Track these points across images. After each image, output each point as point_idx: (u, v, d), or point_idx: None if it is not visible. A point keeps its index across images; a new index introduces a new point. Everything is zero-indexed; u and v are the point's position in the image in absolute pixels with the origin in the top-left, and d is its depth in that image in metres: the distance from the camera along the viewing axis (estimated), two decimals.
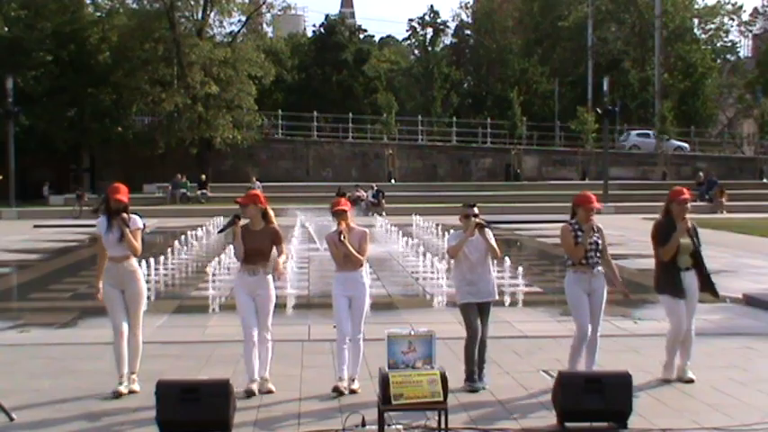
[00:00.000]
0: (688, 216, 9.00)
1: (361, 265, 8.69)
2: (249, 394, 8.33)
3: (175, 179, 44.81)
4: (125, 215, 8.52)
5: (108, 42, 52.14)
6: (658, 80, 60.45)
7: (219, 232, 8.58)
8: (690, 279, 8.98)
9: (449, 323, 11.71)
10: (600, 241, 8.70)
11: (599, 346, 8.83)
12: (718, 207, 41.02)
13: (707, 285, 9.11)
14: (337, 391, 8.39)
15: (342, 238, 8.46)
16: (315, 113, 56.14)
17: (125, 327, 8.58)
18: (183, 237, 23.18)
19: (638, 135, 58.22)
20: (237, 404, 7.53)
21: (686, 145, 58.60)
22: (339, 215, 8.59)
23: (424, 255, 18.88)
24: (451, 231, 9.68)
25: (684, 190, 9.16)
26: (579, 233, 8.62)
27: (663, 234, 8.93)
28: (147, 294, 8.90)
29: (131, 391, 8.47)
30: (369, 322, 12.32)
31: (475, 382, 8.63)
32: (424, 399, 6.91)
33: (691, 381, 8.84)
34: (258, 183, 41.86)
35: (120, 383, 8.47)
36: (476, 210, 8.87)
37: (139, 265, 8.89)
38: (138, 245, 8.59)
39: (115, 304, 8.61)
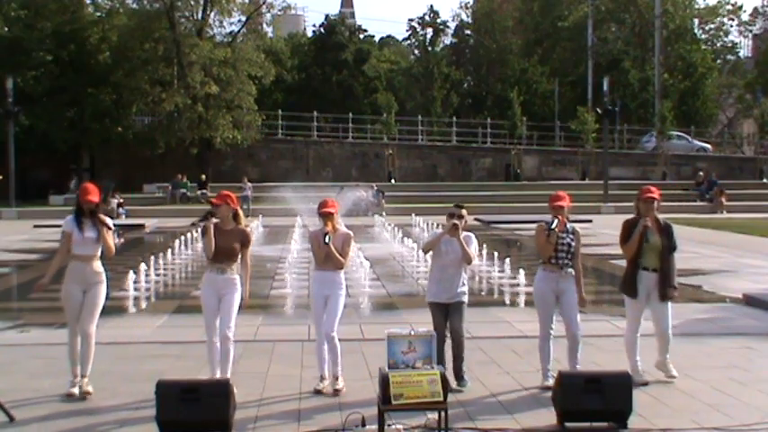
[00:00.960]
0: (663, 215, 8.98)
1: (342, 267, 8.69)
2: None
3: (175, 179, 44.80)
4: (102, 216, 8.54)
5: (108, 42, 52.12)
6: (658, 80, 60.44)
7: (193, 225, 8.61)
8: (652, 280, 8.88)
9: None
10: (573, 243, 8.70)
11: (581, 346, 8.81)
12: (718, 207, 41.01)
13: (663, 287, 8.86)
14: (318, 392, 8.40)
15: (327, 240, 8.48)
16: (315, 113, 56.13)
17: (79, 327, 8.53)
18: (182, 237, 23.18)
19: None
20: (237, 404, 7.53)
21: (708, 146, 58.58)
22: (326, 217, 8.60)
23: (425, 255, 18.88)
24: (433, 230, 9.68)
25: (652, 188, 9.14)
26: (550, 231, 8.64)
27: (627, 232, 8.94)
28: (106, 299, 8.79)
29: (85, 393, 8.40)
30: (369, 322, 12.36)
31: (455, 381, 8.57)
32: (424, 399, 6.91)
33: (673, 377, 8.81)
34: (249, 184, 41.65)
35: (73, 385, 8.44)
36: (462, 211, 8.77)
37: (105, 267, 8.81)
38: (112, 245, 8.63)
39: (75, 304, 8.58)
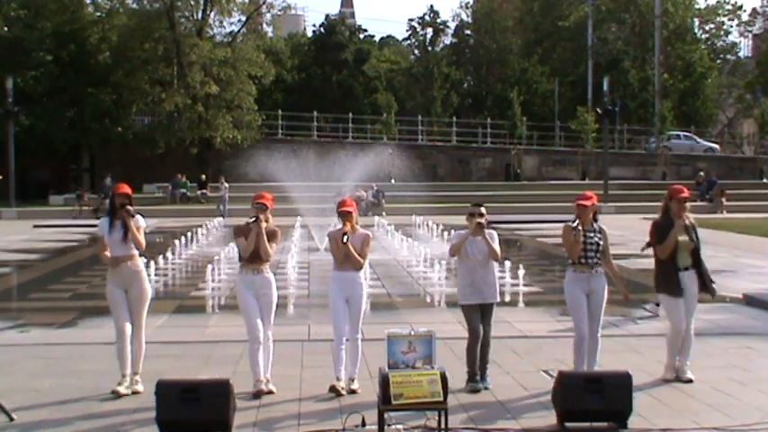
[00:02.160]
0: (687, 214, 9.01)
1: (361, 267, 8.68)
2: (257, 396, 8.33)
3: (175, 179, 44.78)
4: (130, 208, 8.57)
5: (108, 42, 52.12)
6: (658, 80, 60.43)
7: (244, 232, 8.52)
8: (688, 278, 8.98)
9: (449, 323, 11.72)
10: (601, 242, 8.70)
11: (600, 346, 8.82)
12: (718, 207, 41.00)
13: (706, 285, 9.08)
14: (334, 391, 8.39)
15: (345, 240, 8.47)
16: (315, 113, 56.12)
17: (128, 327, 8.59)
18: (182, 237, 23.18)
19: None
20: (238, 404, 7.53)
21: (717, 146, 58.55)
22: (345, 216, 8.59)
23: (425, 256, 18.88)
24: (453, 231, 9.66)
25: (684, 188, 9.18)
26: (576, 231, 8.65)
27: (660, 232, 8.94)
28: (150, 296, 8.88)
29: (135, 392, 8.47)
30: (369, 322, 12.33)
31: (477, 382, 8.63)
32: (424, 399, 6.91)
33: (689, 381, 8.84)
34: (226, 185, 41.34)
35: (121, 384, 8.46)
36: (482, 210, 8.81)
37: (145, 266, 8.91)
38: (143, 240, 8.63)
39: (119, 304, 8.62)
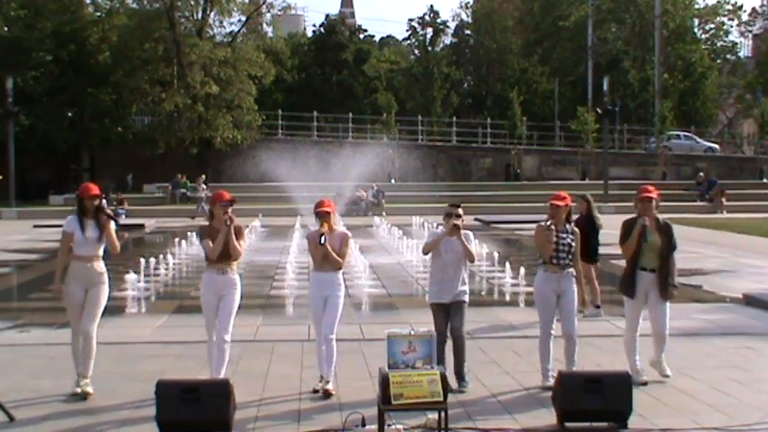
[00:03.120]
0: (658, 215, 8.98)
1: (340, 268, 8.63)
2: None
3: (175, 179, 44.79)
4: (108, 210, 8.54)
5: (108, 42, 52.14)
6: (658, 80, 60.43)
7: (209, 232, 8.38)
8: (649, 279, 8.87)
9: None
10: (573, 243, 8.71)
11: (577, 347, 8.81)
12: (718, 207, 41.00)
13: (662, 286, 8.84)
14: (317, 392, 8.38)
15: (323, 241, 8.44)
16: (315, 113, 56.11)
17: (81, 327, 8.52)
18: (182, 237, 23.17)
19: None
20: (237, 404, 7.52)
21: (717, 146, 58.51)
22: (322, 217, 8.53)
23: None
24: (432, 230, 9.64)
25: (650, 188, 9.13)
26: (549, 231, 8.66)
27: (626, 231, 8.93)
28: (107, 299, 8.76)
29: (85, 394, 8.37)
30: (369, 322, 12.35)
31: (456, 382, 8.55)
32: (424, 399, 6.91)
33: (667, 376, 8.81)
34: (204, 186, 41.24)
35: (78, 384, 8.43)
36: (459, 210, 8.79)
37: (107, 267, 8.81)
38: (117, 242, 8.61)
39: (76, 304, 8.55)
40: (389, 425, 7.10)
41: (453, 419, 7.23)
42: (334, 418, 7.60)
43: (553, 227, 8.67)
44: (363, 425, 7.18)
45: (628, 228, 8.92)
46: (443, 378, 6.98)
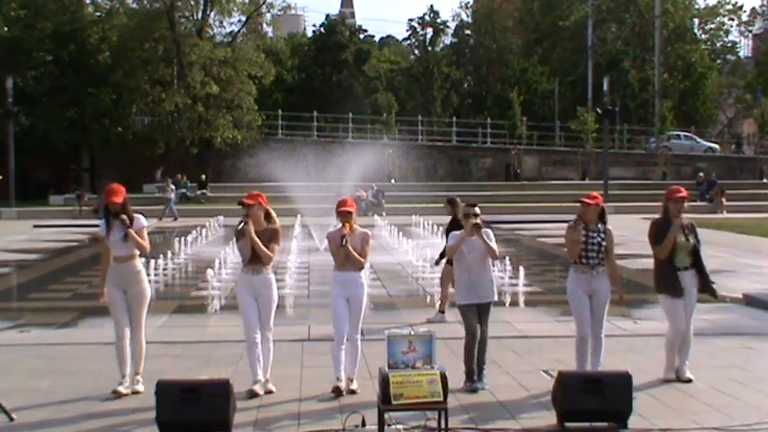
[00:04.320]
0: (685, 215, 9.01)
1: (362, 267, 8.65)
2: (252, 395, 8.32)
3: (175, 179, 44.79)
4: (124, 216, 8.52)
5: (108, 42, 52.11)
6: (658, 80, 60.42)
7: (238, 236, 8.40)
8: (688, 278, 8.97)
9: (449, 323, 11.73)
10: (604, 243, 8.71)
11: (603, 347, 8.81)
12: (718, 207, 40.99)
13: (706, 285, 9.06)
14: (337, 392, 8.38)
15: (345, 241, 8.44)
16: (315, 113, 56.12)
17: (127, 328, 8.58)
18: (182, 237, 23.18)
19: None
20: (237, 404, 7.52)
21: (717, 146, 58.51)
22: (344, 216, 8.54)
23: (425, 255, 18.87)
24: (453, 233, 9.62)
25: (681, 188, 9.20)
26: (576, 229, 8.67)
27: (659, 233, 8.95)
28: (150, 296, 8.85)
29: (135, 392, 8.46)
30: (369, 322, 12.33)
31: (474, 382, 8.62)
32: (424, 399, 6.91)
33: (689, 380, 8.84)
34: (173, 186, 41.09)
35: (121, 384, 8.46)
36: (477, 210, 8.87)
37: (144, 266, 8.89)
38: (146, 243, 8.61)
39: (118, 305, 8.61)
40: (389, 425, 7.10)
41: (453, 419, 7.23)
42: (334, 419, 7.60)
43: (581, 226, 8.68)
44: (363, 425, 7.18)
45: (659, 228, 8.93)
46: (443, 378, 6.98)
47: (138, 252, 8.63)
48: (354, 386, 8.50)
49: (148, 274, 16.86)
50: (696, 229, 9.10)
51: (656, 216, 9.19)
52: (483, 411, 7.88)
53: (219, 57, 49.29)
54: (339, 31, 69.67)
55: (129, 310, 8.61)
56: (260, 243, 8.42)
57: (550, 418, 7.54)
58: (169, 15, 49.60)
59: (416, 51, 75.10)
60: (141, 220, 8.68)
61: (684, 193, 9.07)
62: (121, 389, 8.41)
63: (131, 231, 8.48)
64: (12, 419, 7.54)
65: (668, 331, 9.06)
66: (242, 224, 8.47)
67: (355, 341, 8.60)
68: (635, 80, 65.42)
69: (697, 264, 9.02)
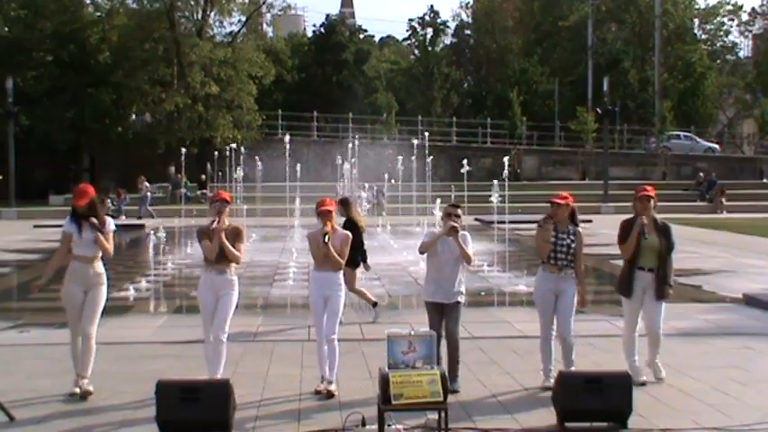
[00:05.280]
0: (658, 216, 8.97)
1: (341, 267, 8.63)
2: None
3: (175, 179, 44.79)
4: (93, 219, 8.49)
5: (108, 42, 52.12)
6: (658, 80, 60.41)
7: (207, 235, 8.35)
8: (646, 279, 8.85)
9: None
10: (573, 245, 8.69)
11: (575, 348, 8.80)
12: (718, 207, 41.00)
13: (660, 290, 8.82)
14: (319, 393, 8.36)
15: (327, 240, 8.43)
16: (315, 113, 56.11)
17: (80, 328, 8.54)
18: (182, 237, 23.17)
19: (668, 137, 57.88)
20: (237, 404, 7.52)
21: (717, 146, 58.50)
22: (324, 215, 8.54)
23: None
24: (429, 229, 9.59)
25: (648, 187, 9.15)
26: (545, 229, 8.66)
27: (624, 231, 8.93)
28: (106, 300, 8.77)
29: (86, 393, 8.39)
30: (369, 322, 12.34)
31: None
32: (424, 399, 6.91)
33: (661, 378, 8.82)
34: (147, 184, 40.85)
35: (76, 384, 8.46)
36: (458, 211, 8.74)
37: (106, 268, 8.82)
38: (110, 247, 8.59)
39: (76, 304, 8.59)
40: (389, 425, 7.10)
41: (453, 419, 7.23)
42: (334, 418, 7.60)
43: (550, 225, 8.66)
44: (363, 425, 7.18)
45: (626, 227, 8.92)
46: (443, 378, 6.98)
47: (100, 254, 8.60)
48: (332, 387, 8.38)
49: (149, 274, 16.90)
50: (670, 230, 8.97)
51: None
52: (483, 411, 7.88)
53: (219, 57, 49.31)
54: (339, 32, 69.66)
55: (84, 310, 8.54)
56: (228, 244, 8.34)
57: (550, 418, 7.54)
58: (169, 15, 49.61)
59: (416, 51, 75.08)
60: (110, 223, 8.67)
61: (651, 191, 9.01)
62: (76, 389, 8.41)
63: (99, 235, 8.46)
64: (12, 419, 7.54)
65: (622, 331, 9.10)
66: (214, 223, 8.39)
67: (332, 341, 8.51)
68: (635, 80, 65.41)
69: (659, 264, 8.85)
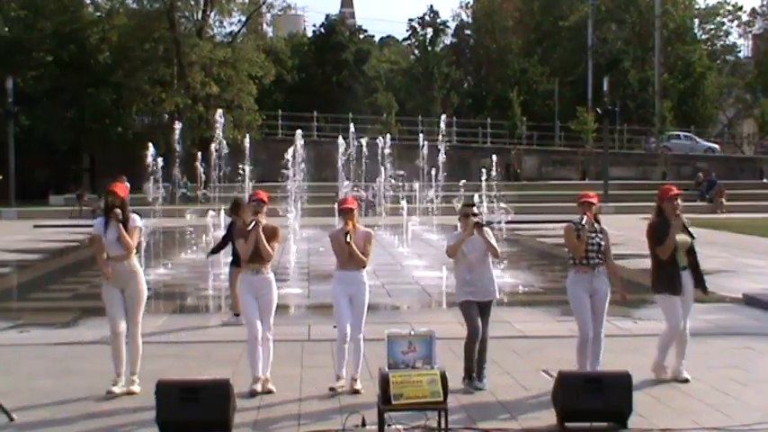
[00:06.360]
0: (680, 213, 9.01)
1: (365, 266, 8.65)
2: (252, 394, 8.33)
3: (175, 178, 44.76)
4: (118, 210, 8.50)
5: (108, 42, 52.10)
6: (658, 80, 60.41)
7: (245, 234, 8.42)
8: (686, 278, 8.97)
9: (449, 323, 11.70)
10: (603, 243, 8.72)
11: (603, 346, 8.81)
12: (718, 207, 40.99)
13: (699, 282, 9.05)
14: (333, 391, 8.38)
15: (348, 238, 8.44)
16: (315, 113, 56.11)
17: (122, 327, 8.55)
18: (183, 236, 23.17)
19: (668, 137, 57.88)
20: (237, 404, 7.52)
21: (717, 146, 58.51)
22: (346, 214, 8.55)
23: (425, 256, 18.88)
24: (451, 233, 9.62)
25: (672, 187, 9.19)
26: (580, 230, 8.67)
27: (658, 233, 8.93)
28: (147, 295, 8.84)
29: (130, 392, 8.44)
30: (369, 322, 12.32)
31: (473, 381, 8.62)
32: (424, 399, 6.91)
33: (686, 380, 8.83)
34: (127, 184, 40.88)
35: (115, 384, 8.45)
36: (475, 209, 8.86)
37: (141, 265, 8.88)
38: (131, 242, 8.54)
39: (114, 304, 8.58)
40: (389, 425, 7.09)
41: (453, 419, 7.23)
42: (334, 419, 7.60)
43: (587, 226, 8.67)
44: (363, 425, 7.17)
45: (658, 230, 8.92)
46: (443, 378, 6.98)
47: (134, 251, 8.62)
48: (358, 386, 8.48)
49: (149, 274, 16.90)
50: (690, 226, 9.10)
51: (651, 217, 9.17)
52: (483, 411, 7.87)
53: (219, 57, 49.30)
54: (339, 32, 69.67)
55: (126, 310, 8.58)
56: (266, 242, 8.44)
57: (550, 418, 7.53)
58: (169, 15, 49.60)
59: (416, 51, 75.09)
60: (136, 220, 8.66)
61: (676, 190, 9.07)
62: (115, 389, 8.40)
63: (120, 227, 8.45)
64: (12, 419, 7.54)
65: (665, 330, 9.06)
66: (254, 223, 8.48)
67: (358, 340, 8.60)
68: (635, 80, 65.42)
69: (692, 261, 9.02)
